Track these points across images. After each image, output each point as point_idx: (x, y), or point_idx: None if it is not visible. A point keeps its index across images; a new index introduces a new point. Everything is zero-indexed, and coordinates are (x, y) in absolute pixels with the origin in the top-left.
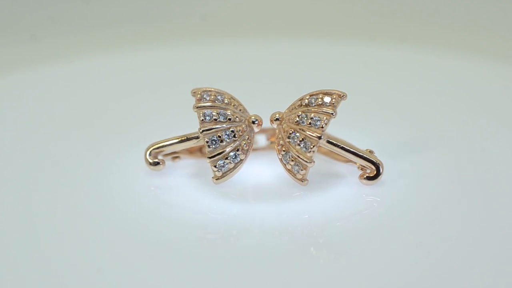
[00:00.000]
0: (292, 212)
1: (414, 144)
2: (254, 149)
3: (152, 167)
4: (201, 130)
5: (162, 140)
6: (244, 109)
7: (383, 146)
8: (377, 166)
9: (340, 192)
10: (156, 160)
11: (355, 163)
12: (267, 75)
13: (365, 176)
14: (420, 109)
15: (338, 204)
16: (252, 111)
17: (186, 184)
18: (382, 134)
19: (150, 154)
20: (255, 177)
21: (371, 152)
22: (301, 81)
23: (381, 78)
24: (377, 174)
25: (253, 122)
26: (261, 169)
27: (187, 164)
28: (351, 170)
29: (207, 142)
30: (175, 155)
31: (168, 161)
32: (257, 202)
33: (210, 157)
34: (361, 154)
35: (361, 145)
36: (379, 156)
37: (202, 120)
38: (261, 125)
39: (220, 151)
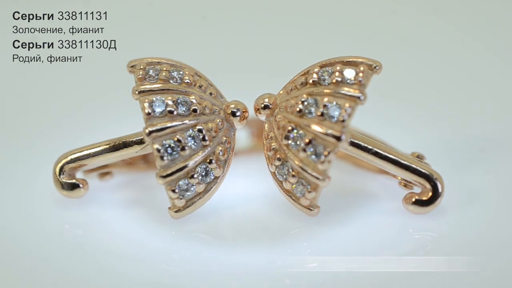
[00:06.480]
0: (291, 258)
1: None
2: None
3: (66, 192)
4: (147, 131)
5: (82, 148)
6: (218, 93)
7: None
8: (433, 182)
9: (368, 225)
10: (74, 180)
11: (396, 176)
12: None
13: (413, 200)
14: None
15: (365, 246)
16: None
17: (122, 219)
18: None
19: (62, 172)
20: (234, 201)
21: (420, 158)
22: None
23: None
24: (434, 196)
25: (233, 114)
26: (244, 186)
27: (123, 182)
28: (388, 186)
29: (158, 150)
30: (103, 171)
31: (93, 180)
32: (239, 244)
33: (164, 176)
34: (405, 162)
35: (401, 146)
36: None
37: (149, 113)
38: (246, 118)
39: (181, 165)
